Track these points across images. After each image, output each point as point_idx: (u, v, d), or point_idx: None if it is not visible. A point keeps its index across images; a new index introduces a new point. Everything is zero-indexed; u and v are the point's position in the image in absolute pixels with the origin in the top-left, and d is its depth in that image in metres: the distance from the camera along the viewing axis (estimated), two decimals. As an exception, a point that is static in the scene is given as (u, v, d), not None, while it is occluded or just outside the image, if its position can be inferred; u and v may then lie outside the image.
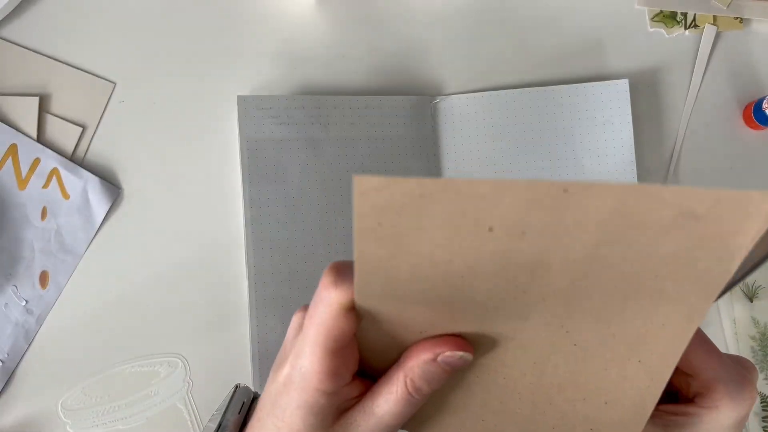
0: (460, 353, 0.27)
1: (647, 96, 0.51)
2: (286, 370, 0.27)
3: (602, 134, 0.49)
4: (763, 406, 0.49)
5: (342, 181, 0.48)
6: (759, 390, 0.49)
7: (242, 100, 0.48)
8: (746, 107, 0.51)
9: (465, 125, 0.50)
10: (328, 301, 0.26)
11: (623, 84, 0.49)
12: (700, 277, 0.26)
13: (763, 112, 0.48)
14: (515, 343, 0.31)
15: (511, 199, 0.25)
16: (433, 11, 0.52)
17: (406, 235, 0.26)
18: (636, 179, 0.48)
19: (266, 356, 0.48)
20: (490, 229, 0.26)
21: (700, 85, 0.51)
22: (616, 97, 0.49)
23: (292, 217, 0.48)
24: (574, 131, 0.49)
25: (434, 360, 0.27)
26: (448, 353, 0.27)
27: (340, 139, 0.49)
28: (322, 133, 0.49)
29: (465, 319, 0.28)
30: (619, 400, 0.32)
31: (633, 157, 0.48)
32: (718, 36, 0.51)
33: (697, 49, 0.51)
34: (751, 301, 0.49)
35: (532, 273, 0.28)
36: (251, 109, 0.48)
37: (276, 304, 0.48)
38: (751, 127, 0.50)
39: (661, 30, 0.51)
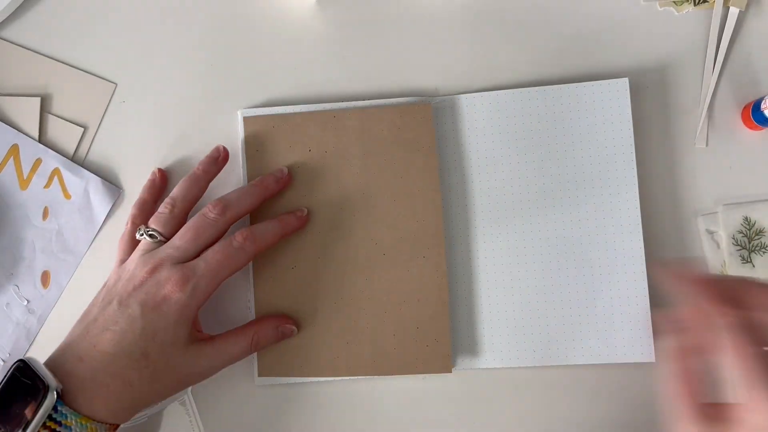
0: (292, 327, 0.47)
1: (654, 89, 0.51)
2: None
3: (602, 133, 0.49)
4: None
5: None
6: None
7: (246, 115, 0.49)
8: (744, 108, 0.51)
9: (464, 125, 0.50)
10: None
11: (623, 83, 0.49)
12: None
13: (762, 113, 0.48)
14: (348, 261, 0.48)
15: (313, 126, 0.48)
16: (433, 11, 0.52)
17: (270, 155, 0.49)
18: (635, 178, 0.49)
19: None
20: (310, 150, 0.49)
21: (714, 73, 0.51)
22: (616, 96, 0.49)
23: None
24: (574, 130, 0.49)
25: (276, 328, 0.46)
26: (286, 325, 0.47)
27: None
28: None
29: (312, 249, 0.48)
30: (426, 296, 0.47)
31: (633, 156, 0.49)
32: (727, 13, 0.51)
33: (707, 36, 0.51)
34: None
35: (337, 187, 0.48)
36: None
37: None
38: (750, 128, 0.51)
39: (671, 9, 0.51)
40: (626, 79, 0.49)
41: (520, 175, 0.49)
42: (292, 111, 0.49)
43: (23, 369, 0.38)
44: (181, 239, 0.43)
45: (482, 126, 0.49)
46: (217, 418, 0.49)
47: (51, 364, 0.40)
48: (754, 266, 0.50)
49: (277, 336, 0.46)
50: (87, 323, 0.42)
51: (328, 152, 0.48)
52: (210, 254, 0.43)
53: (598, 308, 0.48)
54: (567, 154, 0.49)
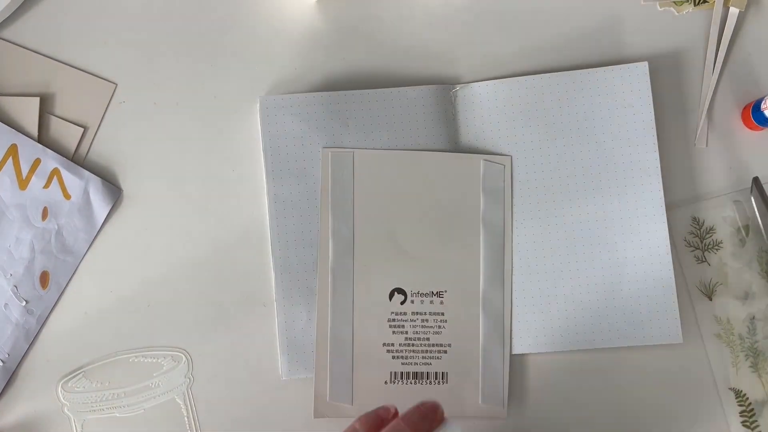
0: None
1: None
2: None
3: (623, 117, 0.49)
4: (738, 402, 0.49)
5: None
6: (735, 386, 0.49)
7: (264, 101, 0.49)
8: (744, 108, 0.51)
9: (485, 112, 0.50)
10: None
11: (643, 66, 0.49)
12: None
13: (762, 113, 0.48)
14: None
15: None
16: (432, 9, 0.52)
17: None
18: (658, 161, 0.48)
19: (294, 344, 0.49)
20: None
21: (715, 68, 0.51)
22: (636, 80, 0.49)
23: (315, 210, 0.49)
24: (594, 115, 0.49)
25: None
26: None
27: (360, 133, 0.49)
28: (342, 128, 0.49)
29: None
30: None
31: (655, 140, 0.49)
32: (727, 13, 0.51)
33: (707, 36, 0.51)
34: (710, 300, 0.49)
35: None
36: (272, 108, 0.49)
37: (302, 293, 0.49)
38: (750, 128, 0.51)
39: (671, 9, 0.51)
40: (645, 63, 0.49)
41: (542, 161, 0.49)
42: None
43: None
44: None
45: (502, 112, 0.49)
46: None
47: None
48: (710, 264, 0.49)
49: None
50: None
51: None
52: None
53: (624, 291, 0.48)
54: (589, 138, 0.49)
